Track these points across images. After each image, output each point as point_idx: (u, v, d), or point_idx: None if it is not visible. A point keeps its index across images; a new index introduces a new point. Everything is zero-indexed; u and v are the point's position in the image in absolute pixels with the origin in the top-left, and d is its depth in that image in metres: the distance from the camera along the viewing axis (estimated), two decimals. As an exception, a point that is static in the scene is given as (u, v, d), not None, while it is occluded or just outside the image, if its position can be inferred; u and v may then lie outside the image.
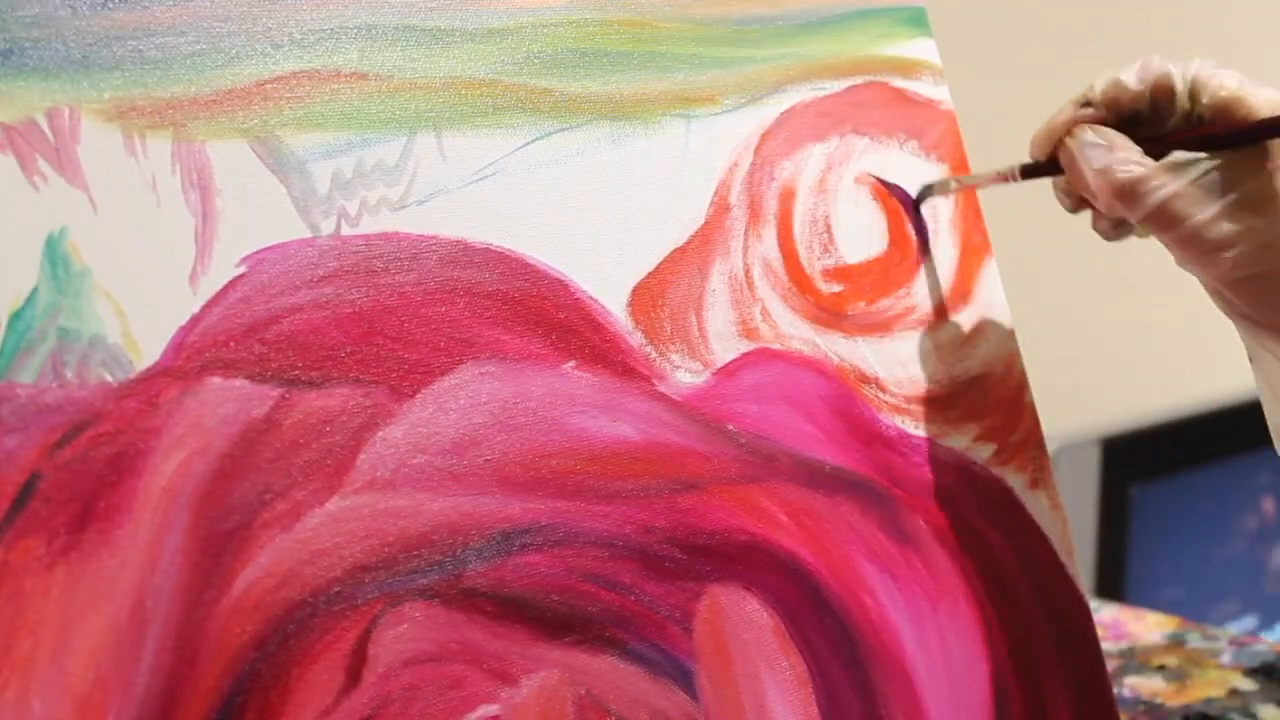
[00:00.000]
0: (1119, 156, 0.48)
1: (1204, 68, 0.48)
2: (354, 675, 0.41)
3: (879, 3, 0.58)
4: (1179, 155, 0.48)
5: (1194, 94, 0.49)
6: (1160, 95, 0.49)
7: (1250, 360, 0.51)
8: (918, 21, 0.59)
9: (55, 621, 0.36)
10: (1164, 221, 0.48)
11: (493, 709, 0.43)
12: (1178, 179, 0.47)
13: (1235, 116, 0.48)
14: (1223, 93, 0.48)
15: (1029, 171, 0.53)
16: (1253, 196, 0.47)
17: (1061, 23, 1.26)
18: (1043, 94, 1.32)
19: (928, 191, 0.57)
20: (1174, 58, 0.49)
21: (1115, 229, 0.52)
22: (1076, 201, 0.52)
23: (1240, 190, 0.47)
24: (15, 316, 0.37)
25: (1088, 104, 0.50)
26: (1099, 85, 0.50)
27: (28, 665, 0.36)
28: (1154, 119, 0.49)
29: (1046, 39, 1.24)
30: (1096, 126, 0.49)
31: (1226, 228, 0.47)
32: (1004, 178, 0.54)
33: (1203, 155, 0.47)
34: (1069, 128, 0.50)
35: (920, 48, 0.59)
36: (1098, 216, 0.52)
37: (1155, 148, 0.49)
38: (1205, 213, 0.47)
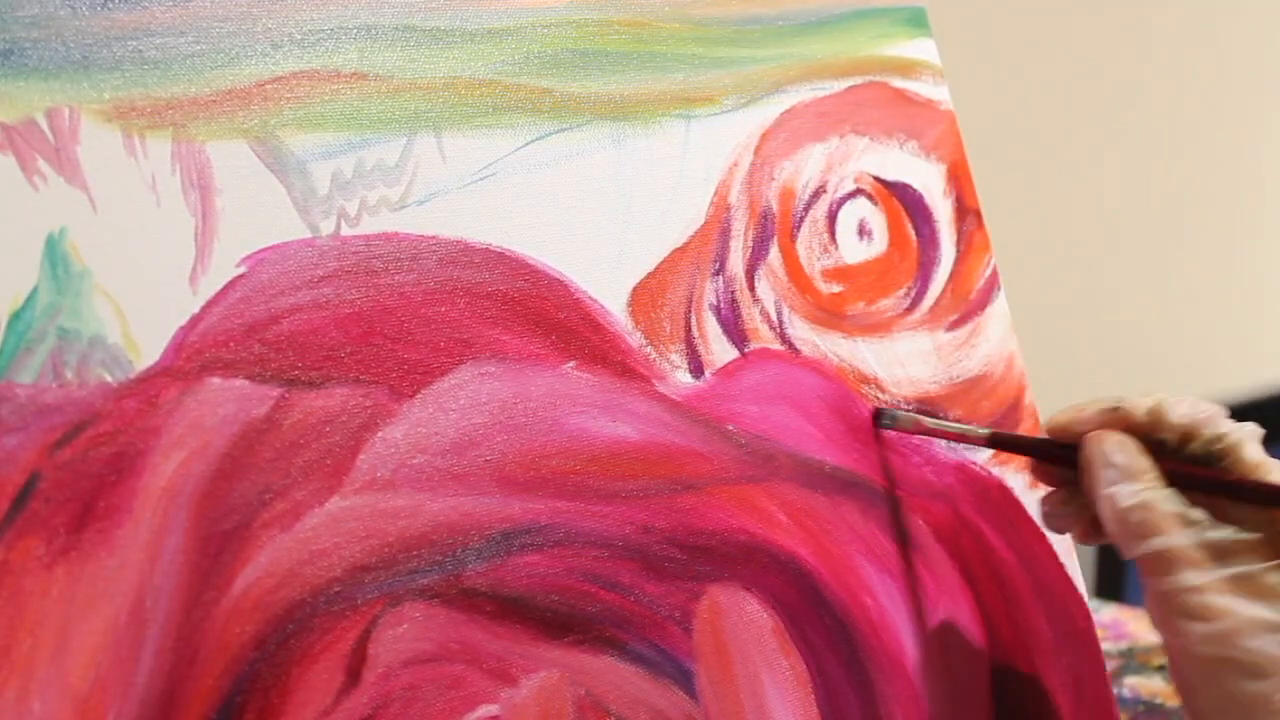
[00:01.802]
0: (1131, 488, 0.45)
1: (1245, 441, 0.46)
2: (354, 675, 0.41)
3: (878, 3, 0.58)
4: (1199, 511, 0.45)
5: (1220, 452, 0.47)
6: (1190, 437, 0.47)
7: None
8: (917, 22, 0.59)
9: (55, 621, 0.36)
10: (1155, 568, 0.45)
11: (492, 709, 0.43)
12: (1184, 534, 0.45)
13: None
14: (1250, 459, 0.46)
15: (995, 441, 0.52)
16: (1259, 579, 0.44)
17: (1061, 23, 1.26)
18: (1043, 94, 1.32)
19: (889, 422, 0.53)
20: (1216, 409, 0.47)
21: (1055, 521, 0.51)
22: (1043, 479, 0.51)
23: (1247, 569, 0.44)
24: (15, 317, 0.37)
25: (1116, 408, 0.48)
26: (1144, 402, 0.47)
27: (27, 665, 0.36)
28: (1173, 451, 0.47)
29: (1046, 39, 1.25)
30: (1124, 439, 0.46)
31: (1213, 600, 0.44)
32: (965, 437, 0.53)
33: (1227, 527, 0.45)
34: (1095, 425, 0.48)
35: (920, 48, 0.59)
36: (1047, 501, 0.50)
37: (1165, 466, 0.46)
38: (1199, 577, 0.44)
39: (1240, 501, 0.45)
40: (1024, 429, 0.58)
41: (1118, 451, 0.46)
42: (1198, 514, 0.45)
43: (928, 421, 0.53)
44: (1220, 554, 0.44)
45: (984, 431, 0.53)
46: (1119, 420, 0.47)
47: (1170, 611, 0.45)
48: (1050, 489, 0.51)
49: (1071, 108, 1.26)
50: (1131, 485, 0.45)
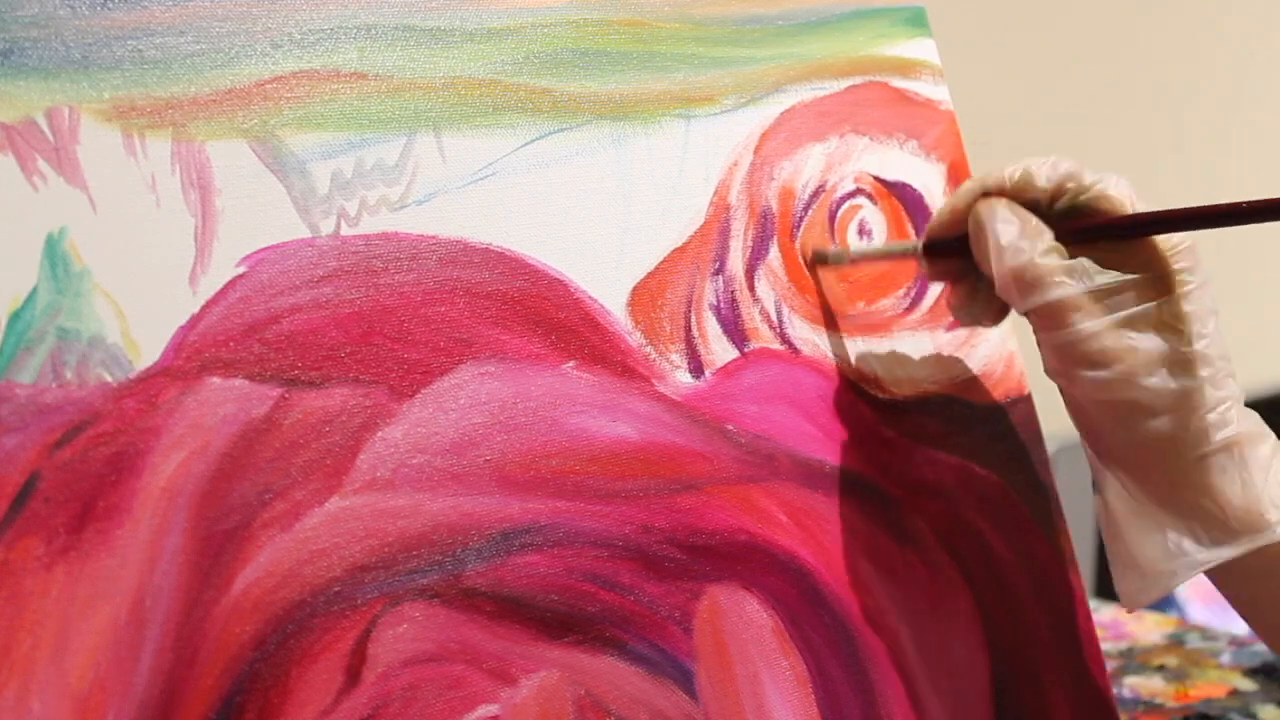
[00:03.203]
0: (1027, 243, 0.46)
1: (1109, 186, 0.47)
2: (354, 675, 0.41)
3: (878, 3, 0.58)
4: (1084, 261, 0.46)
5: (1088, 203, 0.48)
6: (1059, 194, 0.48)
7: (1094, 487, 0.49)
8: (917, 21, 0.59)
9: (54, 621, 0.36)
10: (1050, 321, 0.46)
11: (492, 709, 0.43)
12: (1078, 283, 0.46)
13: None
14: (1117, 202, 0.47)
15: (930, 249, 0.51)
16: (1148, 318, 0.46)
17: (1061, 22, 1.26)
18: (1042, 94, 1.32)
19: (822, 259, 0.54)
20: (1086, 164, 0.48)
21: (969, 313, 0.51)
22: (939, 274, 0.51)
23: (1136, 310, 0.46)
24: (15, 316, 0.37)
25: (984, 184, 0.48)
26: (1009, 170, 0.48)
27: (27, 665, 0.36)
28: (1046, 210, 0.48)
29: (1046, 39, 1.25)
30: (1010, 202, 0.47)
31: (1109, 344, 0.45)
32: (905, 255, 0.53)
33: (1111, 272, 0.46)
34: (975, 200, 0.48)
35: (920, 48, 0.59)
36: (955, 295, 0.51)
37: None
38: (1093, 324, 0.45)
39: (1116, 239, 0.47)
40: (1024, 428, 0.58)
41: (1004, 210, 0.47)
42: (1083, 264, 0.46)
43: (861, 250, 0.55)
44: (1110, 300, 0.46)
45: (910, 244, 0.53)
46: (993, 193, 0.48)
47: (1068, 361, 0.46)
48: (956, 286, 0.51)
49: (1071, 107, 1.26)
50: (1020, 242, 0.46)
